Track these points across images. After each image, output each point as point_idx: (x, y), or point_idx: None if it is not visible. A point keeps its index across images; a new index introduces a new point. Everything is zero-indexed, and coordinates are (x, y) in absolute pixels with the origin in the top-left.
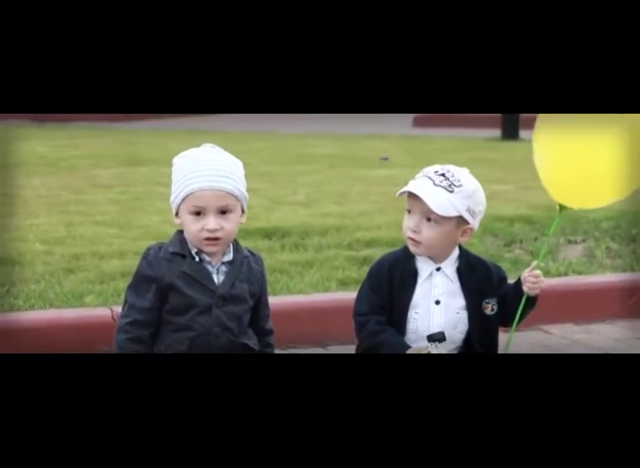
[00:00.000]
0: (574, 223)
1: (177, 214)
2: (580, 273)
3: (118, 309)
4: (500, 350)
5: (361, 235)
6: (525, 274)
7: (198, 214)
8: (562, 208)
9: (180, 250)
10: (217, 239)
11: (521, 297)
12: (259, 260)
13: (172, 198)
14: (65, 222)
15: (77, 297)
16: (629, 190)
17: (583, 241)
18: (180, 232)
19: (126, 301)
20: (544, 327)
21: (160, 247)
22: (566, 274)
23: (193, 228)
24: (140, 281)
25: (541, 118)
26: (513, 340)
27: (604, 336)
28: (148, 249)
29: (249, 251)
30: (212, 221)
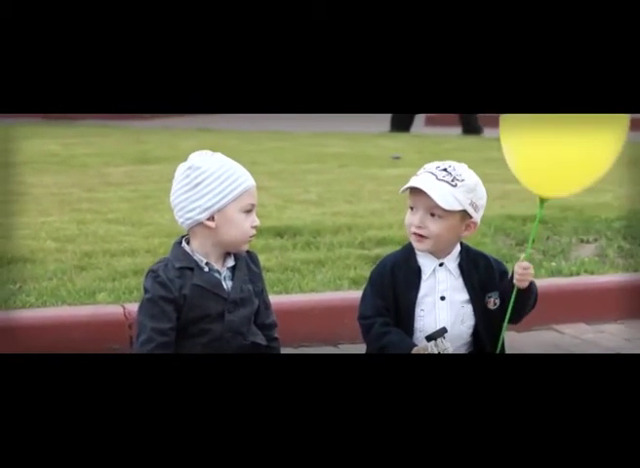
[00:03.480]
0: (586, 223)
1: (212, 217)
2: (592, 273)
3: (130, 306)
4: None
5: (372, 234)
6: (515, 266)
7: (249, 211)
8: (542, 200)
9: (186, 263)
10: (254, 236)
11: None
12: (254, 258)
13: (213, 201)
14: (77, 220)
15: (89, 295)
16: (600, 172)
17: (596, 240)
18: (179, 245)
19: (143, 325)
20: (557, 326)
21: (165, 265)
22: (578, 274)
23: (246, 225)
24: (157, 303)
25: (505, 117)
26: (506, 336)
27: (615, 336)
28: (154, 270)
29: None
30: (256, 218)
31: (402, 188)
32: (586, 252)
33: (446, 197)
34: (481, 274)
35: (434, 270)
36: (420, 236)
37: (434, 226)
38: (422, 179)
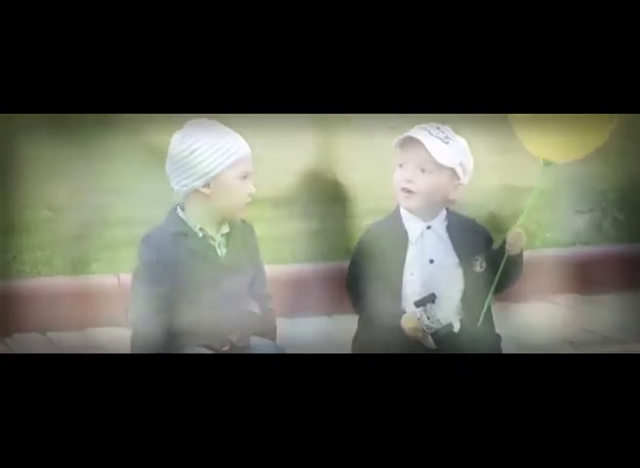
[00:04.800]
0: (581, 194)
1: (207, 184)
2: (586, 244)
3: (125, 277)
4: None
5: (366, 205)
6: (508, 232)
7: (244, 178)
8: (546, 163)
9: (180, 229)
10: (248, 203)
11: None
12: (250, 228)
13: (208, 168)
14: (73, 190)
15: (84, 265)
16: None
17: (591, 211)
18: (174, 211)
19: (137, 291)
20: (551, 297)
21: (160, 230)
22: (573, 244)
23: (241, 193)
24: (151, 269)
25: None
26: (501, 307)
27: (609, 308)
28: (149, 236)
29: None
30: (251, 185)
31: (397, 139)
32: (581, 223)
33: (439, 151)
34: (468, 237)
35: (422, 233)
36: (409, 191)
37: (424, 181)
38: (417, 132)
